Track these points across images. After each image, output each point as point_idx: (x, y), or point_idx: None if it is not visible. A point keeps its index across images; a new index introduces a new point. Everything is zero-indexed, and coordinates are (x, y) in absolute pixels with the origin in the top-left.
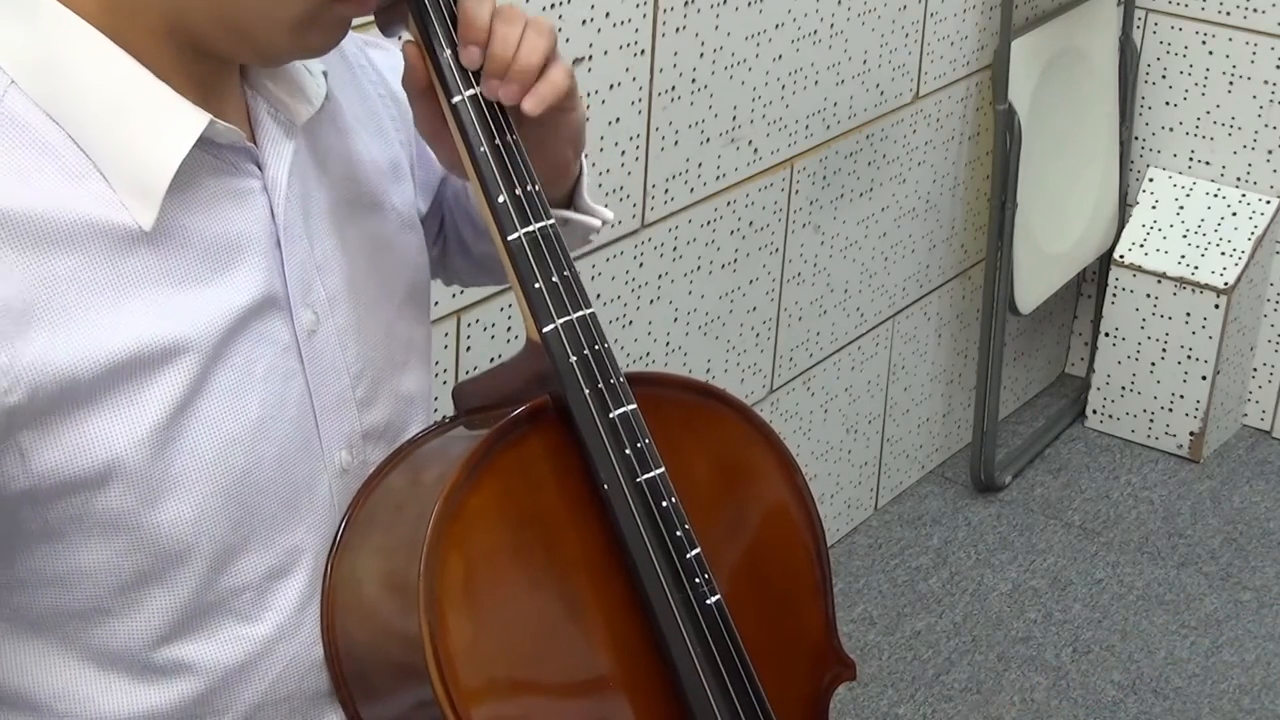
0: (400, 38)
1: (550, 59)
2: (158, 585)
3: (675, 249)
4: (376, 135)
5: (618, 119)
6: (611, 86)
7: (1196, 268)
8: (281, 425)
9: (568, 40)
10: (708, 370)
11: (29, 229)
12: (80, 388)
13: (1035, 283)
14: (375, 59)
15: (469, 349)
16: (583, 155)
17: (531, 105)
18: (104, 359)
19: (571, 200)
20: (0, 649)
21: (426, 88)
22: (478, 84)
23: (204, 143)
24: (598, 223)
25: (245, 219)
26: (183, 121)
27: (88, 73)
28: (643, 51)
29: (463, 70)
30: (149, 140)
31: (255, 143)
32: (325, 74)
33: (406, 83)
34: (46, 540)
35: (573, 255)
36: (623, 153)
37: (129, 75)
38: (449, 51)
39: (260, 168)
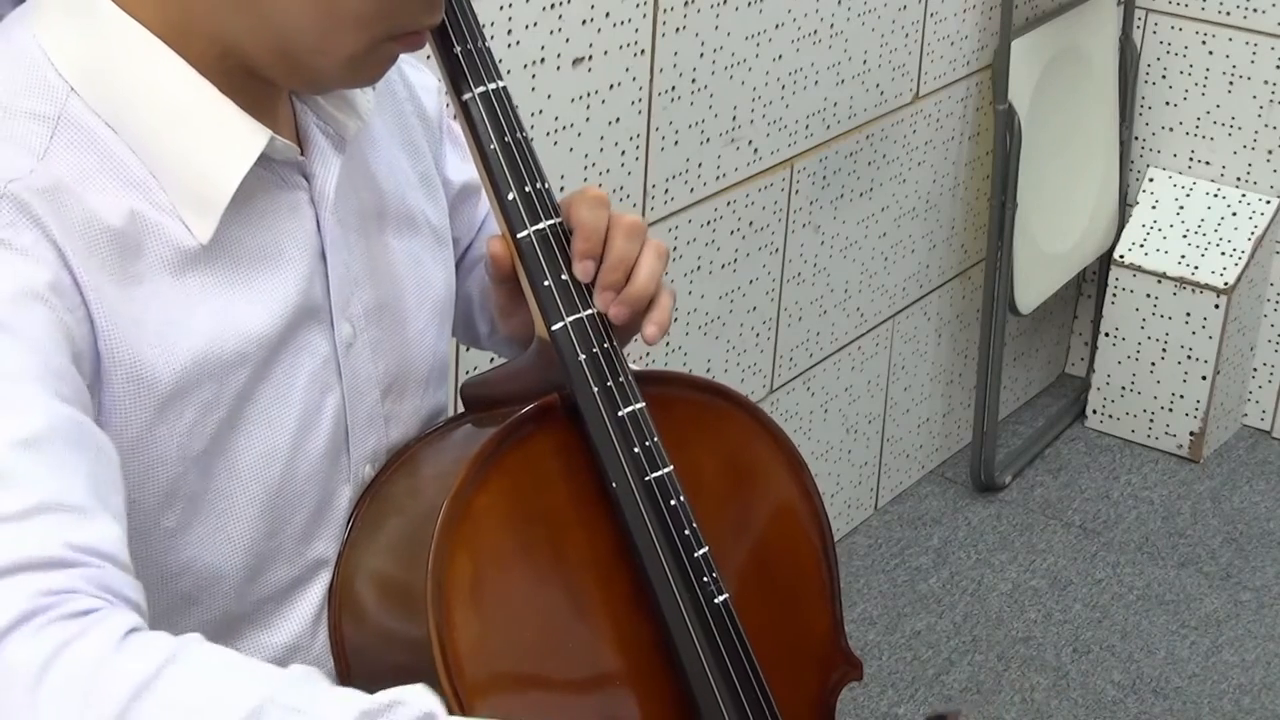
0: None
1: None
2: (195, 606)
3: (675, 249)
4: (408, 148)
5: (618, 119)
6: (611, 86)
7: (1196, 268)
8: (317, 438)
9: (567, 40)
10: (708, 370)
11: (104, 234)
12: (153, 395)
13: (1035, 283)
14: (408, 74)
15: (469, 349)
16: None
17: (652, 333)
18: (175, 367)
19: None
20: None
21: (509, 276)
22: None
23: (260, 158)
24: None
25: (292, 231)
26: (243, 139)
27: (149, 84)
28: (643, 51)
29: (474, 72)
30: (209, 156)
31: (303, 154)
32: (373, 87)
33: (490, 272)
34: None
35: None
36: (623, 153)
37: (191, 89)
38: (459, 48)
39: (308, 179)
